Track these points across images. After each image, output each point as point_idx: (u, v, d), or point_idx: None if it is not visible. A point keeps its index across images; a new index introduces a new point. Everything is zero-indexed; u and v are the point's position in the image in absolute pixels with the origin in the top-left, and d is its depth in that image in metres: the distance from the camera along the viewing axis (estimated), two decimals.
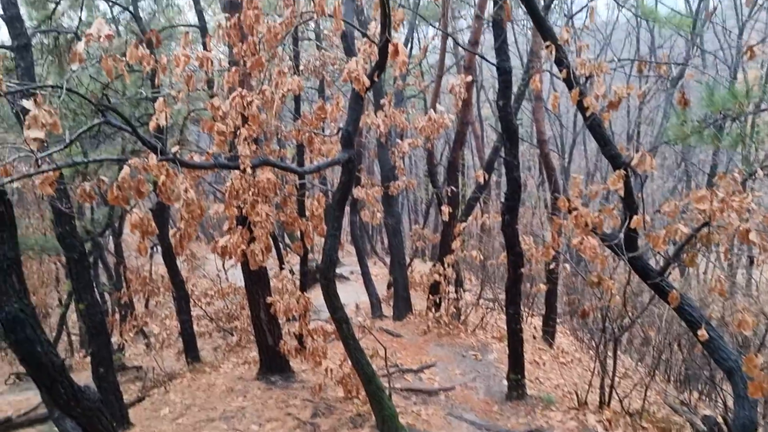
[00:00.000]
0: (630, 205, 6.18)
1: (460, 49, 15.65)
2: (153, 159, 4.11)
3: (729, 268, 13.80)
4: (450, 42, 15.85)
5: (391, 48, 5.19)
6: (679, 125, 4.18)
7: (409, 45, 13.85)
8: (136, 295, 12.27)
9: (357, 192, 10.19)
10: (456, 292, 11.89)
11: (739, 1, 15.68)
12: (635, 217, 5.94)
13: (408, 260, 15.55)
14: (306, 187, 8.38)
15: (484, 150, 19.32)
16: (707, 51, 15.97)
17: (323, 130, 8.30)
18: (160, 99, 4.22)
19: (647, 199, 19.91)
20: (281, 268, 11.64)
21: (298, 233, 7.20)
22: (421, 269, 15.59)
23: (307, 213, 6.91)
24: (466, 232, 12.71)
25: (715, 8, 6.62)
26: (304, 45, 15.48)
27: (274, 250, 13.29)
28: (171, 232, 5.22)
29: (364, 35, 6.27)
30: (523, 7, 5.73)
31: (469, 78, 9.26)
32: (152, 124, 4.25)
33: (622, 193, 5.99)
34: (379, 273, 17.46)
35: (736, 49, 13.86)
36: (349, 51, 6.43)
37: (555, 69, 7.07)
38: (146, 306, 13.64)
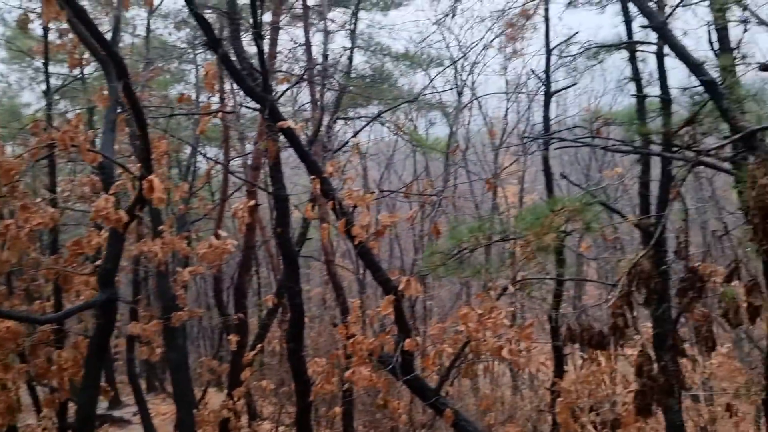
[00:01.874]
0: (402, 328, 6.38)
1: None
2: None
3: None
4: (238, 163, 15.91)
5: (145, 184, 4.92)
6: (429, 256, 4.44)
7: (193, 168, 13.64)
8: None
9: (132, 327, 9.30)
10: (249, 426, 11.13)
11: (491, 128, 18.14)
12: (408, 339, 6.13)
13: (201, 393, 14.37)
14: (63, 332, 7.42)
15: (280, 269, 19.16)
16: (472, 173, 18.01)
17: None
18: None
19: (438, 303, 20.94)
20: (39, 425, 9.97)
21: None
22: (215, 401, 14.48)
23: (58, 363, 6.07)
24: (265, 355, 12.22)
25: (457, 146, 7.63)
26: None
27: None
28: None
29: (123, 168, 5.94)
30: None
31: (252, 202, 9.23)
32: None
33: (393, 317, 6.20)
34: (169, 411, 15.84)
35: (493, 172, 15.86)
36: (107, 184, 6.02)
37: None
38: None
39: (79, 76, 12.24)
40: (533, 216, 4.27)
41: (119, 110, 6.39)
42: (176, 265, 10.89)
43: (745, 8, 4.51)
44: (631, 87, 5.93)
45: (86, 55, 9.58)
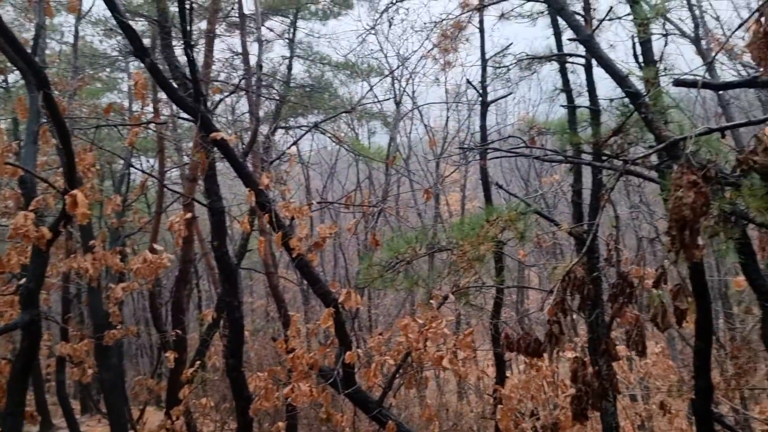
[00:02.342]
0: (343, 341, 6.30)
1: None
2: None
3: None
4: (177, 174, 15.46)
5: (68, 199, 4.69)
6: (366, 268, 4.39)
7: (127, 179, 13.17)
8: None
9: (61, 348, 8.87)
10: None
11: (431, 137, 18.29)
12: (348, 352, 6.05)
13: (140, 413, 13.89)
14: None
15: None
16: (415, 182, 18.12)
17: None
18: None
19: (384, 312, 20.89)
20: None
21: None
22: (154, 420, 14.00)
23: None
24: (207, 371, 11.87)
25: (395, 156, 7.72)
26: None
27: None
28: None
29: (46, 182, 5.65)
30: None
31: (189, 215, 8.96)
32: None
33: (333, 330, 6.11)
34: None
35: (435, 181, 15.99)
36: (29, 198, 5.72)
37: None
38: None
39: (2, 84, 11.67)
40: (469, 226, 4.28)
41: (44, 121, 6.09)
42: (110, 281, 10.48)
43: (666, 22, 4.68)
44: (563, 98, 6.07)
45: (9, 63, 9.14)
